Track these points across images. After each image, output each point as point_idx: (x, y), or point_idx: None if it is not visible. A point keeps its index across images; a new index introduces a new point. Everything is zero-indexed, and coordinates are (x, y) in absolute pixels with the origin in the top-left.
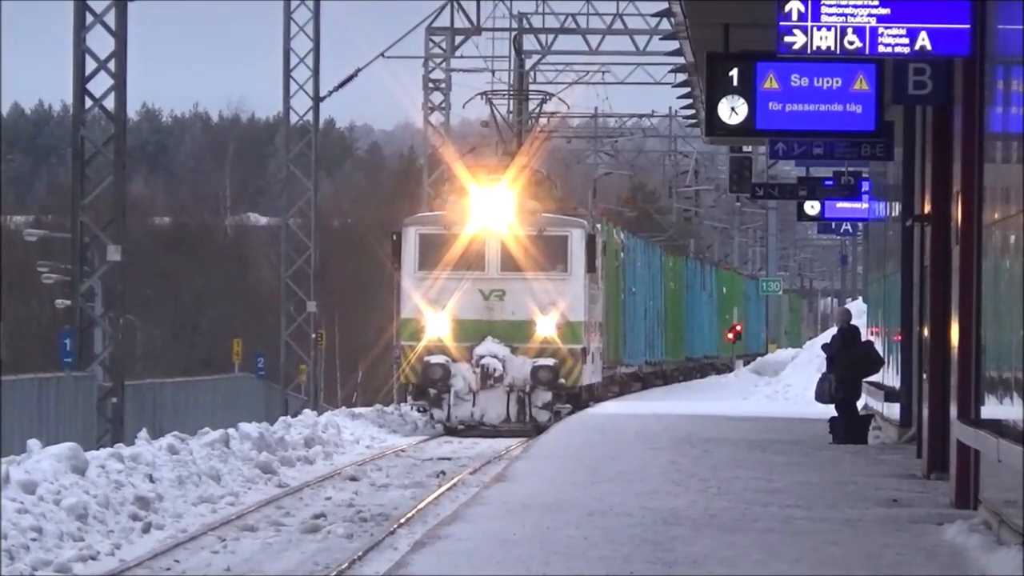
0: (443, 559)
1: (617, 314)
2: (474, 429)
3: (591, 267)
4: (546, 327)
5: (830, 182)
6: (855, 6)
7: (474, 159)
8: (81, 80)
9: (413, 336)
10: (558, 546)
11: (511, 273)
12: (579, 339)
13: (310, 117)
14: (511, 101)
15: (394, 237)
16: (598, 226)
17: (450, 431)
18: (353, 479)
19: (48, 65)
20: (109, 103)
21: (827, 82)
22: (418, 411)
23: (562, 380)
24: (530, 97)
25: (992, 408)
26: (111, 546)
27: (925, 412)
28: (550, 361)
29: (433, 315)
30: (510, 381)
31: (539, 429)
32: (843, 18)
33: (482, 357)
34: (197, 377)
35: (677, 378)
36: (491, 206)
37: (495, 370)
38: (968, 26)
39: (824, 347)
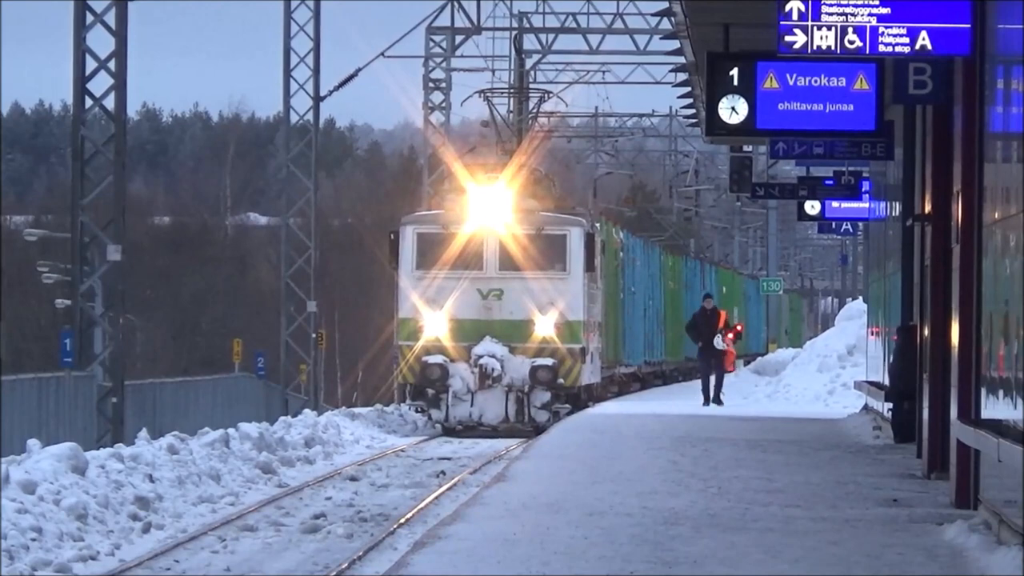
0: (443, 559)
1: (616, 314)
2: (472, 430)
3: (590, 266)
4: (545, 327)
5: (830, 182)
6: (855, 5)
7: (474, 159)
8: (81, 80)
9: (411, 336)
10: (558, 546)
11: (509, 272)
12: (578, 339)
13: (310, 117)
14: (511, 100)
15: (392, 236)
16: (597, 225)
17: (448, 431)
18: (353, 479)
19: (48, 65)
20: (109, 103)
21: (827, 81)
22: (416, 411)
23: (561, 380)
24: (529, 95)
25: (992, 408)
26: (111, 546)
27: (925, 412)
28: (549, 361)
29: (431, 315)
30: (508, 381)
31: (538, 429)
32: (843, 17)
33: (480, 357)
34: (197, 377)
35: (676, 378)
36: (489, 205)
37: (493, 370)
38: (968, 26)
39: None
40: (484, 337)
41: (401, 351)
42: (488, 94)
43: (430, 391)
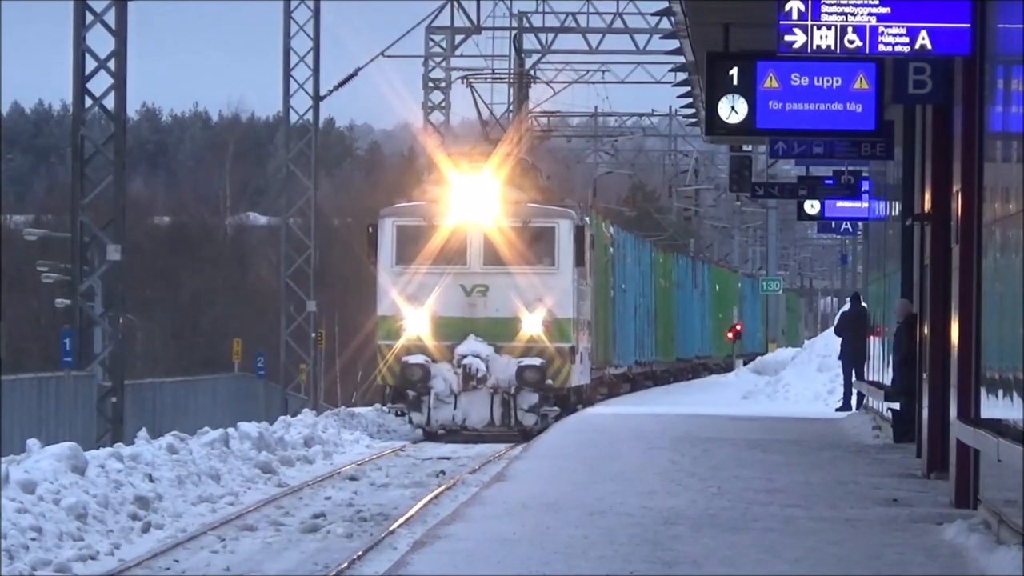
0: (443, 559)
1: (606, 312)
2: (456, 434)
3: (579, 260)
4: (532, 324)
5: (830, 181)
6: (855, 5)
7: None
8: (81, 79)
9: (390, 335)
10: (558, 546)
11: (494, 267)
12: (567, 337)
13: (310, 116)
14: (510, 99)
15: (370, 229)
16: (587, 218)
17: (430, 435)
18: (353, 479)
19: (48, 65)
20: (109, 102)
21: (827, 81)
22: (396, 414)
23: (549, 381)
24: (516, 82)
25: (992, 408)
26: (110, 546)
27: (925, 411)
28: (536, 361)
29: (412, 312)
30: (494, 382)
31: (525, 433)
32: (843, 17)
33: (464, 357)
34: (197, 377)
35: (667, 379)
36: (474, 196)
37: (478, 370)
38: (968, 25)
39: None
40: (468, 336)
41: (380, 351)
42: (470, 79)
43: (411, 393)
